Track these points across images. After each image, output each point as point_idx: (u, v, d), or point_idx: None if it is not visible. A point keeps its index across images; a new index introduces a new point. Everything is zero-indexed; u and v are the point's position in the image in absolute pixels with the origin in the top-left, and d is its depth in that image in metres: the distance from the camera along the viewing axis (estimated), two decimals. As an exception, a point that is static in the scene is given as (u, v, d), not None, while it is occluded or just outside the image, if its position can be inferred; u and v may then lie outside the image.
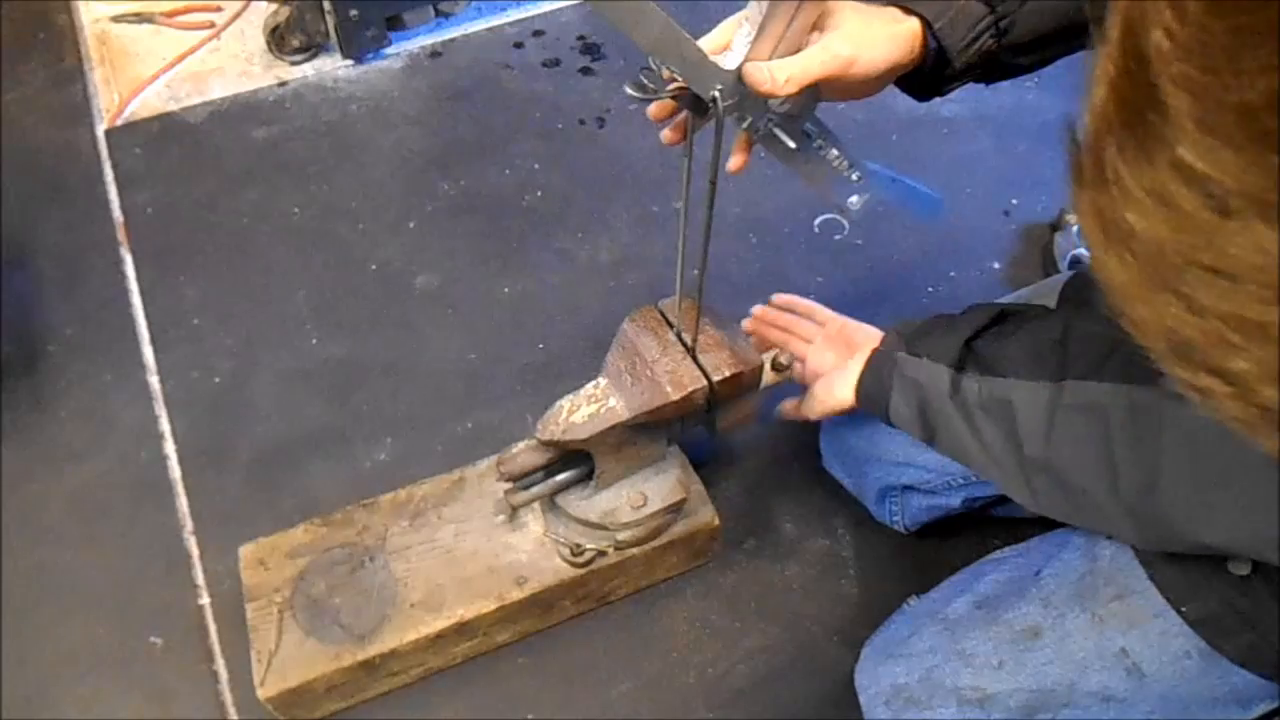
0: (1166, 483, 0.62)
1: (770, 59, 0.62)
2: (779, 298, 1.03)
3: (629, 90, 0.63)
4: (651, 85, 0.64)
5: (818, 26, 0.65)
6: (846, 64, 0.63)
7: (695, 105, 0.65)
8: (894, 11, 0.67)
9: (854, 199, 0.76)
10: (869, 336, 0.89)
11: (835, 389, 0.87)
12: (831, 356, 0.91)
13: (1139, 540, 0.69)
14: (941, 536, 1.06)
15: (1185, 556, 0.71)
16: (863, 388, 0.83)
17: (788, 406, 0.96)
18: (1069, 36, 0.70)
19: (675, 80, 0.63)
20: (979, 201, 1.43)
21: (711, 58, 0.62)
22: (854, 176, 0.74)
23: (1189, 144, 0.26)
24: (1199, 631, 0.72)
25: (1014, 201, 1.43)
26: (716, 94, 0.62)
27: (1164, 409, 0.62)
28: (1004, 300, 0.94)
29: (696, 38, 0.64)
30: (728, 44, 0.64)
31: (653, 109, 0.67)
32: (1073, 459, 0.68)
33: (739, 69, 0.62)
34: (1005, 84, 0.77)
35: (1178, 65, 0.25)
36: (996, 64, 0.71)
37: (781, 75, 0.61)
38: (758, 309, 1.04)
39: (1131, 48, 0.27)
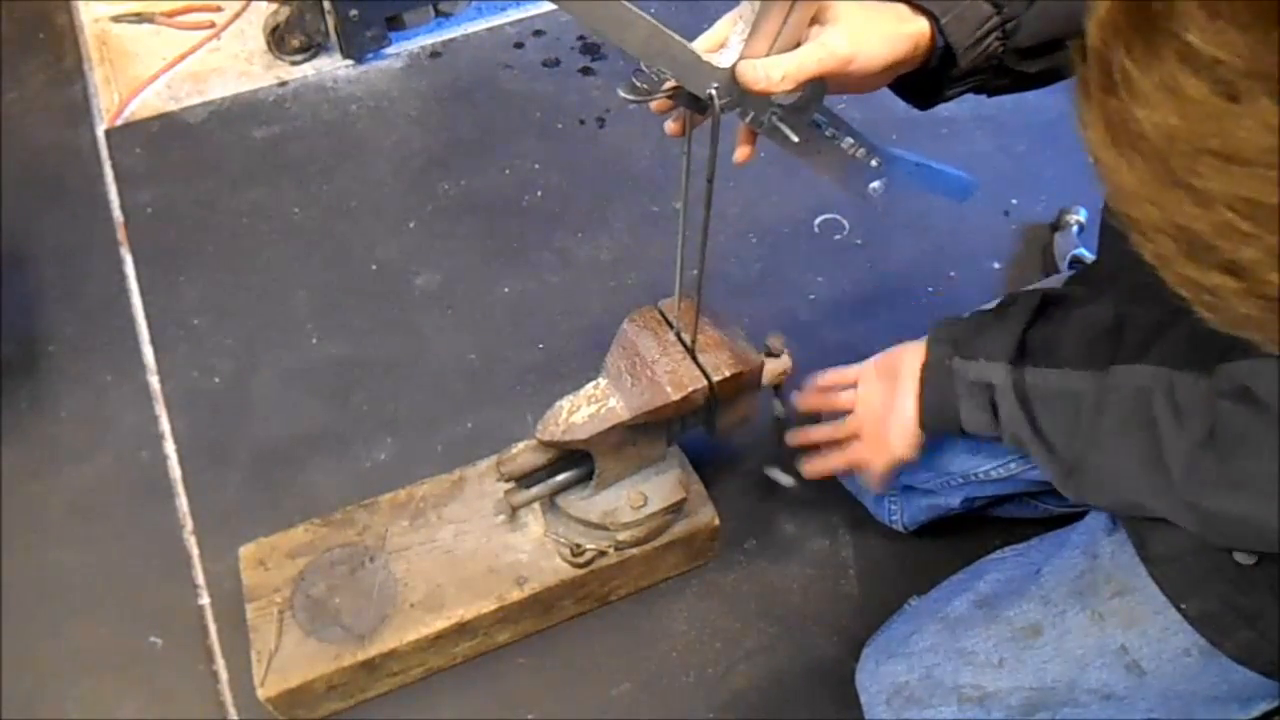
0: (1227, 454, 0.62)
1: (767, 55, 0.62)
2: (810, 388, 0.95)
3: (622, 94, 0.63)
4: (645, 86, 0.63)
5: (817, 20, 0.64)
6: (844, 61, 0.62)
7: (693, 103, 0.64)
8: (900, 9, 0.66)
9: (875, 185, 0.75)
10: (911, 354, 0.82)
11: (894, 428, 0.82)
12: (879, 392, 0.86)
13: (1198, 526, 0.67)
14: (941, 536, 1.06)
15: (1185, 554, 0.71)
16: (926, 408, 0.80)
17: (811, 467, 0.92)
18: None
19: (670, 79, 0.62)
20: (979, 202, 1.41)
21: (708, 56, 0.61)
22: (873, 163, 0.74)
23: (1196, 30, 0.27)
24: (1199, 629, 0.72)
25: (1014, 201, 1.43)
26: (713, 93, 0.62)
27: (1204, 390, 0.62)
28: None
29: (694, 36, 0.64)
30: (724, 41, 0.63)
31: (654, 105, 0.67)
32: (1123, 441, 0.68)
33: (733, 67, 0.61)
34: (1005, 85, 0.76)
35: None
36: (1003, 70, 0.71)
37: (777, 73, 0.61)
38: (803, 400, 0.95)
39: None
